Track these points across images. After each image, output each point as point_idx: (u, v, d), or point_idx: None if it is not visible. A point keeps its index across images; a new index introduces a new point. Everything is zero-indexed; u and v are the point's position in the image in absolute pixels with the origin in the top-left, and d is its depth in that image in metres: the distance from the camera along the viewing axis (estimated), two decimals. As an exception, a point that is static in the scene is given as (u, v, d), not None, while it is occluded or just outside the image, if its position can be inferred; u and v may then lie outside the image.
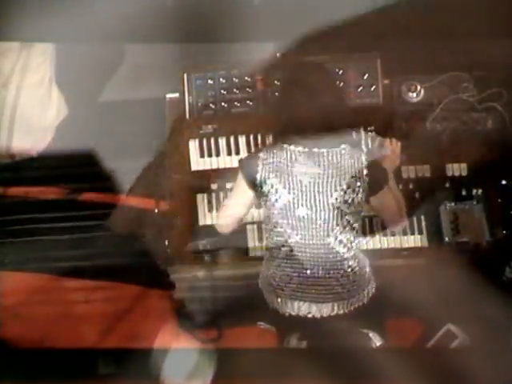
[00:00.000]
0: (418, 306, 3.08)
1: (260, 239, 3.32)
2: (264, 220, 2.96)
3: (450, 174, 3.38)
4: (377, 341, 2.92)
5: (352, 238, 2.88)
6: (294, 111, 2.81)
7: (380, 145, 3.12)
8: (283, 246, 2.86)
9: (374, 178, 2.80)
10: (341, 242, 2.84)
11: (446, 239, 3.33)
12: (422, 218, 3.37)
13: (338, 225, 2.82)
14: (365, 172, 2.78)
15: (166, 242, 3.38)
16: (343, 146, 2.80)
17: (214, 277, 3.30)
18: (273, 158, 2.82)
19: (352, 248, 2.88)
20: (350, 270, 2.88)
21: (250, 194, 2.89)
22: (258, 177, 2.82)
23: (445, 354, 2.92)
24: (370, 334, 2.92)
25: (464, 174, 3.38)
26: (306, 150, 2.79)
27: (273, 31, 3.09)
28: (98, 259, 3.25)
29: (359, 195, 2.80)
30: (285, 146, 2.82)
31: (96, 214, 3.42)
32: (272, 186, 2.80)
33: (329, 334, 2.86)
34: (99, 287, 3.21)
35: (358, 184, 2.78)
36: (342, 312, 2.88)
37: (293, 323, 2.92)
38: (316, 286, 2.87)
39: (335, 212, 2.79)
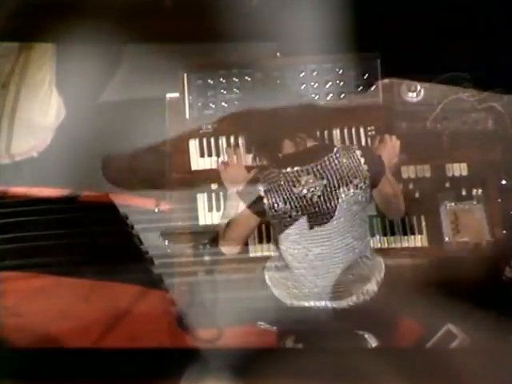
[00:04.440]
0: (418, 305, 3.08)
1: (260, 239, 3.32)
2: (277, 238, 2.94)
3: (449, 174, 3.38)
4: (372, 342, 2.93)
5: (364, 230, 2.93)
6: (278, 131, 2.85)
7: (379, 141, 3.14)
8: (304, 258, 2.87)
9: (373, 169, 2.82)
10: (356, 238, 2.87)
11: (446, 239, 3.32)
12: (422, 217, 3.37)
13: (353, 225, 2.84)
14: (364, 167, 2.80)
15: (166, 242, 3.38)
16: (335, 148, 2.83)
17: (214, 277, 3.30)
18: (274, 186, 2.80)
19: (364, 239, 2.94)
20: (365, 258, 2.93)
21: (256, 220, 2.88)
22: (267, 207, 2.80)
23: (445, 354, 2.91)
24: (366, 336, 2.93)
25: (464, 173, 3.38)
26: (305, 167, 2.79)
27: (273, 31, 3.09)
28: (97, 259, 3.25)
29: (366, 192, 2.82)
30: (282, 171, 2.81)
31: (96, 213, 3.43)
32: (285, 213, 2.80)
33: (325, 336, 2.87)
34: (99, 287, 3.21)
35: (363, 180, 2.80)
36: (353, 304, 2.92)
37: (289, 325, 2.94)
38: (335, 286, 2.89)
39: (349, 215, 2.81)
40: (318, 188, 2.78)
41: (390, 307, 3.04)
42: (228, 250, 2.99)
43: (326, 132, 3.35)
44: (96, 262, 3.25)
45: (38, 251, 3.26)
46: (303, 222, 2.81)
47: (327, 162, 2.79)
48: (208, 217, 3.42)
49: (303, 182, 2.78)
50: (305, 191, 2.78)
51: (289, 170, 2.80)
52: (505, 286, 3.19)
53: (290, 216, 2.81)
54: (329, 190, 2.78)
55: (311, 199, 2.79)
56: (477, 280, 3.15)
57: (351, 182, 2.79)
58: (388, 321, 3.06)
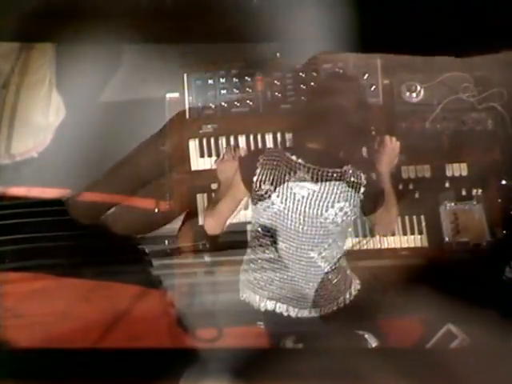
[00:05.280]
0: (418, 305, 3.08)
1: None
2: (252, 220, 2.95)
3: (449, 174, 3.38)
4: (372, 342, 2.93)
5: (335, 254, 2.88)
6: (312, 120, 2.80)
7: (379, 143, 3.14)
8: (268, 249, 2.86)
9: (369, 201, 2.79)
10: (324, 257, 2.84)
11: (446, 239, 3.32)
12: (422, 217, 3.37)
13: (323, 242, 2.81)
14: (360, 197, 2.75)
15: (166, 242, 3.38)
16: (345, 167, 2.76)
17: (213, 277, 3.30)
18: (271, 163, 2.78)
19: (334, 263, 2.89)
20: (328, 282, 2.90)
21: (246, 194, 2.87)
22: (255, 179, 2.79)
23: (445, 354, 2.91)
24: (366, 335, 2.93)
25: (464, 174, 3.38)
26: (308, 165, 2.75)
27: (273, 31, 3.08)
28: (97, 260, 3.25)
29: (349, 218, 2.78)
30: (287, 154, 2.78)
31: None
32: (266, 192, 2.78)
33: (324, 336, 2.87)
34: (99, 287, 3.21)
35: (351, 208, 2.75)
36: (317, 315, 2.91)
37: (288, 325, 2.94)
38: (295, 293, 2.88)
39: (322, 230, 2.78)
40: (306, 189, 2.76)
41: (388, 307, 3.05)
42: (211, 227, 2.98)
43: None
44: (96, 262, 3.25)
45: (38, 252, 3.27)
46: (278, 210, 2.79)
47: (329, 174, 2.75)
48: (208, 217, 3.41)
49: (298, 176, 2.76)
50: (294, 184, 2.76)
51: (294, 157, 2.77)
52: (505, 286, 3.19)
53: (269, 197, 2.78)
54: (314, 197, 2.75)
55: (295, 195, 2.76)
56: (477, 280, 3.15)
57: (338, 203, 2.74)
58: (386, 320, 3.06)
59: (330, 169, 2.74)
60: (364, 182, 2.76)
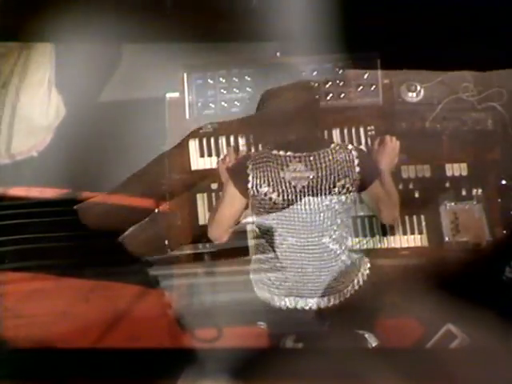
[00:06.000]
0: (418, 305, 3.08)
1: (260, 239, 3.32)
2: (256, 223, 2.96)
3: (449, 174, 3.38)
4: (372, 341, 2.94)
5: (344, 234, 2.91)
6: (281, 115, 2.83)
7: (379, 142, 3.15)
8: (278, 247, 2.87)
9: (366, 173, 2.83)
10: (334, 239, 2.87)
11: (446, 239, 3.33)
12: (422, 217, 3.37)
13: (332, 224, 2.84)
14: (357, 169, 2.81)
15: (166, 242, 3.38)
16: (333, 145, 2.83)
17: (213, 277, 3.30)
18: (262, 165, 2.81)
19: (344, 243, 2.91)
20: (342, 263, 2.91)
21: (243, 201, 2.88)
22: (250, 186, 2.81)
23: (445, 354, 2.91)
24: (366, 335, 2.94)
25: (464, 173, 3.38)
26: (298, 154, 2.79)
27: (272, 31, 3.08)
28: (97, 260, 3.25)
29: (352, 193, 2.82)
30: (273, 152, 2.82)
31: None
32: (265, 195, 2.80)
33: (324, 335, 2.88)
34: (99, 287, 3.21)
35: (351, 182, 2.80)
36: (337, 302, 2.91)
37: (289, 324, 2.94)
38: (312, 283, 2.89)
39: (330, 213, 2.81)
40: (304, 178, 2.79)
41: (388, 307, 3.05)
42: (214, 235, 2.98)
43: (325, 132, 3.35)
44: (95, 262, 3.25)
45: (37, 252, 3.26)
46: (282, 207, 2.81)
47: (321, 156, 2.80)
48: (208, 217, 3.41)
49: (291, 169, 2.80)
50: (291, 177, 2.79)
51: (281, 152, 2.82)
52: (505, 286, 3.19)
53: (270, 199, 2.81)
54: (315, 182, 2.79)
55: (295, 187, 2.80)
56: (477, 280, 3.15)
57: (339, 181, 2.79)
58: (386, 320, 3.06)
59: (320, 150, 2.79)
60: (355, 153, 2.83)
